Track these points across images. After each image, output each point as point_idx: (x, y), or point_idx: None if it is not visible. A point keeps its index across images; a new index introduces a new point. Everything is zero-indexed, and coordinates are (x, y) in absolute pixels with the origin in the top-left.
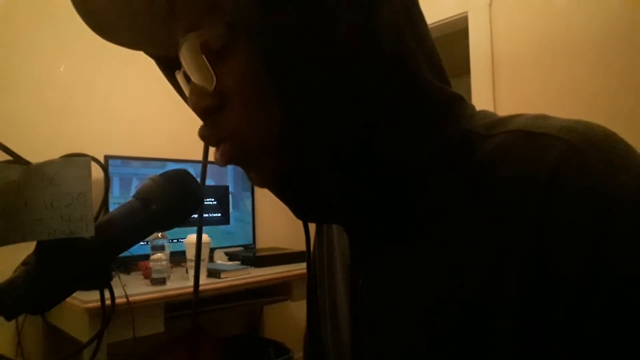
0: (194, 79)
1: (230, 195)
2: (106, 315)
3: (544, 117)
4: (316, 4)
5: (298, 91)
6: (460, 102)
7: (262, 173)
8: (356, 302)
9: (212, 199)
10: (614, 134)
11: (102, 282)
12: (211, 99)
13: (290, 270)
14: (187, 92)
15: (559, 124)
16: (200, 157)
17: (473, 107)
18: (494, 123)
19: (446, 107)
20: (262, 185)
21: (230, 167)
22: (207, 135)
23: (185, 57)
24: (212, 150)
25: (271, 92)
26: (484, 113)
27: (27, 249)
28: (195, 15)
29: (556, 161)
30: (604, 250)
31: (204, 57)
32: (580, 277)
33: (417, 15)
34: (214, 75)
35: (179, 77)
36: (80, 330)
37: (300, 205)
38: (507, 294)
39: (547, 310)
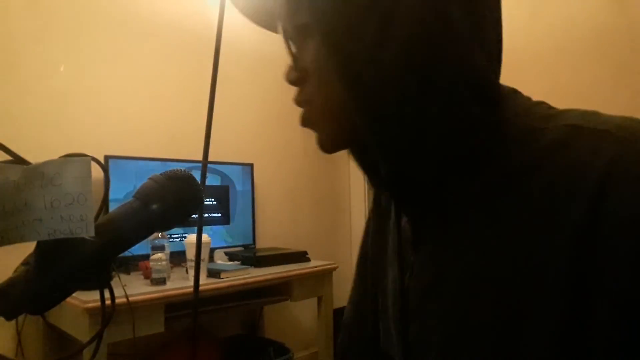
0: (295, 55)
1: (230, 195)
2: (106, 315)
3: (595, 114)
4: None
5: (355, 79)
6: (515, 96)
7: (324, 136)
8: (405, 276)
9: (212, 199)
10: None
11: (102, 282)
12: (294, 74)
13: (290, 270)
14: None
15: (610, 120)
16: (200, 157)
17: (529, 99)
18: (548, 117)
19: (501, 100)
20: (324, 148)
21: (230, 167)
22: (295, 99)
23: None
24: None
25: (335, 75)
26: (539, 106)
27: (27, 249)
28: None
29: (611, 154)
30: None
31: (285, 41)
32: (629, 275)
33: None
34: (293, 56)
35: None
36: (80, 330)
37: (365, 171)
38: (550, 282)
39: (590, 305)
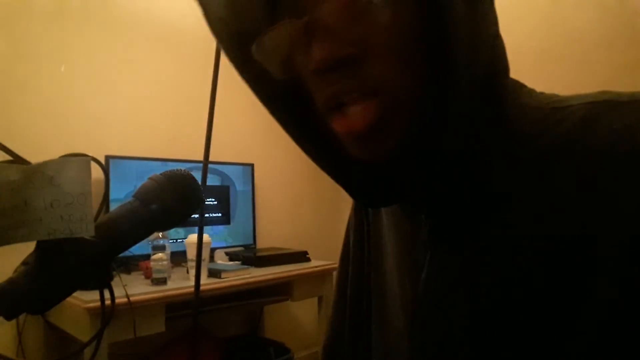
0: (337, 25)
1: (230, 195)
2: (106, 315)
3: (610, 92)
4: None
5: (457, 49)
6: (521, 86)
7: (394, 138)
8: (419, 287)
9: (213, 199)
10: None
11: (102, 282)
12: (353, 47)
13: (290, 270)
14: (309, 47)
15: (631, 93)
16: (200, 157)
17: (533, 89)
18: (563, 99)
19: (516, 91)
20: (384, 153)
21: (231, 167)
22: (345, 89)
23: (331, 3)
24: None
25: (421, 47)
26: (546, 94)
27: (27, 249)
28: None
29: None
30: None
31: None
32: None
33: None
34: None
35: (287, 31)
36: (81, 330)
37: (381, 186)
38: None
39: None
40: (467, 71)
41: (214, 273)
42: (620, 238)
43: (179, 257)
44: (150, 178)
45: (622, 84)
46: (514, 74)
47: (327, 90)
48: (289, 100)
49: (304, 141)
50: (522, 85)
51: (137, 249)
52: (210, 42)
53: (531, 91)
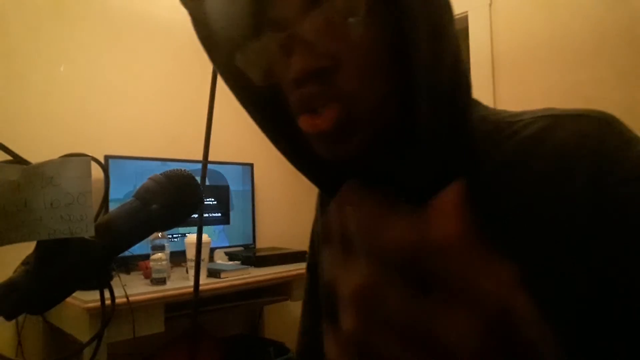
0: (314, 40)
1: (230, 195)
2: (106, 315)
3: (555, 108)
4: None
5: (428, 65)
6: (477, 102)
7: (357, 140)
8: None
9: (212, 199)
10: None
11: (102, 282)
12: (327, 60)
13: (290, 270)
14: (286, 59)
15: (574, 109)
16: (200, 157)
17: (487, 105)
18: (515, 114)
19: (476, 106)
20: (346, 154)
21: (230, 167)
22: (316, 93)
23: (315, 18)
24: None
25: (389, 64)
26: (498, 110)
27: (27, 249)
28: None
29: (596, 135)
30: None
31: (348, 19)
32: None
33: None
34: (339, 39)
35: (270, 43)
36: (80, 330)
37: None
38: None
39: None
40: (429, 88)
41: (213, 273)
42: (581, 239)
43: (178, 257)
44: (150, 178)
45: (619, 88)
46: (511, 78)
47: (301, 95)
48: (267, 105)
49: (278, 142)
50: (479, 102)
51: (136, 249)
52: None
53: (487, 107)
